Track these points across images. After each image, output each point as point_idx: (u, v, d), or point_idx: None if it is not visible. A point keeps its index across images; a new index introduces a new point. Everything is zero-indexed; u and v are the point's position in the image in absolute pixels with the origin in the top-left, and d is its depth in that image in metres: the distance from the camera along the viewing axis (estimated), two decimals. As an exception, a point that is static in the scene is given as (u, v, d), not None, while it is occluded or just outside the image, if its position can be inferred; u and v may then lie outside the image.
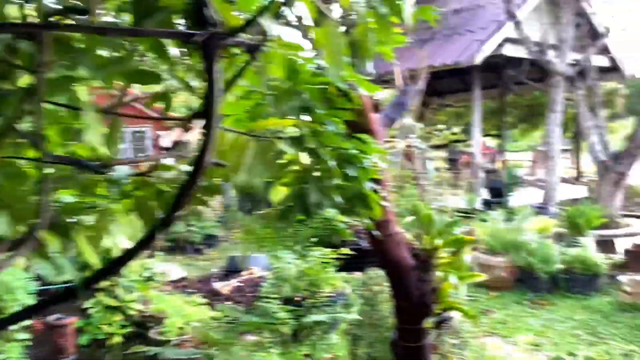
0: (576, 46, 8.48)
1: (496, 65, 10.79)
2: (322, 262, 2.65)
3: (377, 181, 2.08)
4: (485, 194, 9.19)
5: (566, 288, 5.92)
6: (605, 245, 8.15)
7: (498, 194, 8.46)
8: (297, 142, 1.78)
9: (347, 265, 2.83)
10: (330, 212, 2.00)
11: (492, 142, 15.17)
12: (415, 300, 2.33)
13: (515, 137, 20.30)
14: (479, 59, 8.66)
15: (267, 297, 3.08)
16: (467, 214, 8.54)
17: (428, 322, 2.29)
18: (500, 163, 12.33)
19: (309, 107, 1.83)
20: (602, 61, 11.20)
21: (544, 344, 4.51)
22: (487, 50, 8.79)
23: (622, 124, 16.79)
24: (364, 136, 1.99)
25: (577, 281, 5.85)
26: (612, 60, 11.25)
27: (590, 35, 10.01)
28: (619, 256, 6.26)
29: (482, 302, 5.76)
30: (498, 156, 12.67)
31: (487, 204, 8.29)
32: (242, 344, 2.89)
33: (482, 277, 2.46)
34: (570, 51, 8.77)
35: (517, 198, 9.02)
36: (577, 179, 11.87)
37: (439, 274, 2.42)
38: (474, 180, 9.79)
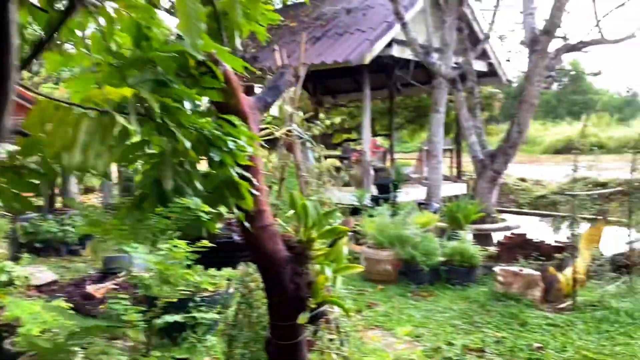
0: (458, 50, 8.93)
1: (385, 66, 11.09)
2: (176, 257, 2.44)
3: (248, 168, 1.93)
4: (374, 190, 9.40)
5: (446, 279, 6.17)
6: (483, 238, 8.66)
7: (386, 190, 8.68)
8: (147, 119, 1.56)
9: (218, 260, 2.65)
10: (195, 201, 1.80)
11: (382, 142, 15.64)
12: (290, 295, 2.20)
13: (405, 138, 21.18)
14: (369, 59, 8.82)
15: (116, 298, 2.80)
16: (356, 209, 8.68)
17: (302, 318, 2.17)
18: (389, 162, 12.73)
19: (164, 81, 1.62)
20: (481, 66, 11.94)
21: (424, 334, 4.62)
22: (376, 49, 8.99)
23: (499, 128, 18.13)
24: (232, 118, 1.82)
25: (456, 273, 6.12)
26: (491, 65, 12.02)
27: (471, 40, 10.61)
28: (494, 248, 6.63)
29: (368, 295, 5.83)
30: (388, 155, 13.07)
31: (376, 200, 8.47)
32: (85, 353, 2.59)
33: (360, 268, 2.39)
34: (452, 54, 9.21)
35: (404, 195, 9.31)
36: (458, 177, 12.57)
37: (315, 266, 2.32)
38: (364, 177, 9.98)
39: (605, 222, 6.24)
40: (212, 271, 4.02)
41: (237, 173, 1.87)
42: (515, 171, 16.57)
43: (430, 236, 6.36)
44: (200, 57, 1.60)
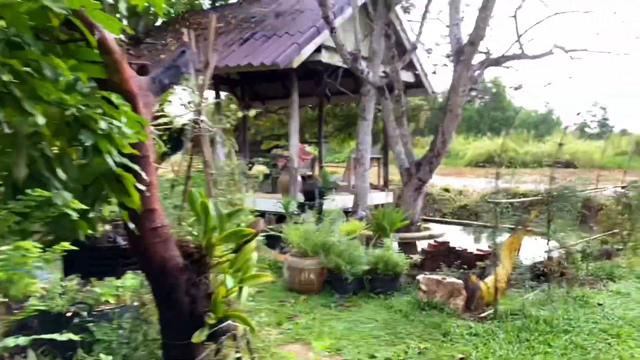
0: (386, 59, 8.91)
1: (315, 73, 10.93)
2: (20, 263, 2.06)
3: (136, 159, 1.61)
4: (301, 197, 9.17)
5: (371, 288, 6.02)
6: (408, 246, 8.63)
7: (313, 197, 8.48)
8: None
9: (98, 269, 2.29)
10: (63, 196, 1.46)
11: (311, 149, 15.51)
12: (184, 310, 1.89)
13: (335, 146, 21.18)
14: (296, 63, 8.62)
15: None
16: (283, 217, 8.41)
17: (199, 336, 1.87)
18: (318, 169, 12.56)
19: (16, 43, 1.29)
20: (408, 77, 12.08)
21: (346, 347, 4.40)
22: (305, 54, 8.81)
23: (425, 140, 18.52)
24: (111, 95, 1.50)
25: (380, 281, 5.98)
26: (417, 76, 12.18)
27: (399, 50, 10.69)
28: (418, 256, 6.56)
29: (290, 306, 5.56)
30: (317, 163, 12.91)
31: (302, 207, 8.24)
32: None
33: (269, 278, 2.12)
34: (380, 63, 9.19)
35: (331, 202, 9.15)
36: (385, 186, 12.60)
37: (218, 276, 2.03)
38: (291, 184, 9.73)
39: (525, 231, 6.32)
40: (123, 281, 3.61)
41: (120, 164, 1.55)
42: (440, 182, 16.95)
43: (356, 244, 6.19)
44: (62, 11, 1.28)
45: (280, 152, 12.15)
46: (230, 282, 1.88)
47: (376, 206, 13.31)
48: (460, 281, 5.42)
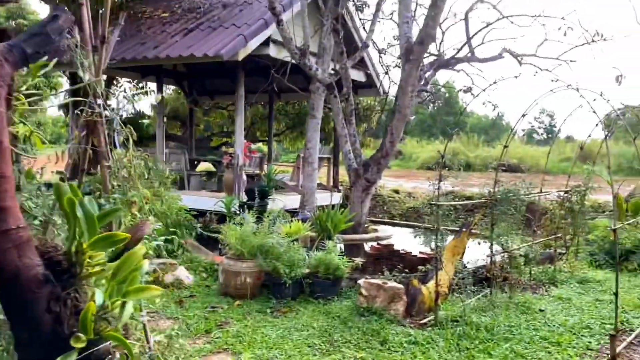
0: (337, 56, 8.66)
1: (264, 68, 10.60)
2: None
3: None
4: (245, 197, 8.82)
5: (310, 293, 5.75)
6: (355, 248, 8.42)
7: (257, 197, 8.13)
8: None
9: None
10: None
11: (259, 147, 15.15)
12: (45, 330, 1.54)
13: (288, 145, 20.86)
14: (242, 55, 8.27)
15: None
16: (224, 217, 8.04)
17: (62, 362, 1.52)
18: (266, 168, 12.21)
19: None
20: (359, 76, 11.91)
21: (277, 357, 4.11)
22: (251, 46, 8.47)
23: (378, 142, 18.42)
24: None
25: (320, 285, 5.71)
26: (369, 76, 12.03)
27: (350, 48, 10.50)
28: (360, 259, 6.32)
29: (222, 313, 5.22)
30: (265, 161, 12.56)
31: (244, 208, 7.88)
32: None
33: (157, 291, 1.80)
34: (330, 60, 8.95)
35: (277, 202, 8.84)
36: (335, 186, 12.39)
37: (95, 289, 1.69)
38: (235, 183, 9.37)
39: (468, 235, 6.20)
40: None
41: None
42: (392, 184, 16.93)
43: (296, 246, 5.91)
44: None
45: (225, 149, 11.76)
46: (99, 296, 1.55)
47: (324, 207, 13.10)
48: (401, 286, 5.22)
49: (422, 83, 10.82)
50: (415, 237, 9.67)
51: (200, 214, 8.71)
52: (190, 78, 14.04)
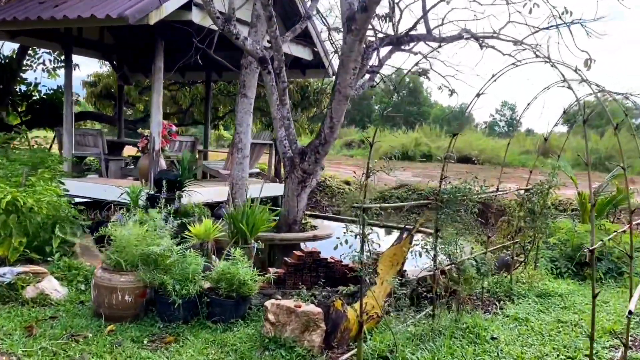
0: (265, 22, 7.36)
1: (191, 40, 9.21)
2: None
3: None
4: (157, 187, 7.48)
5: (208, 315, 4.54)
6: (289, 250, 7.27)
7: (171, 188, 6.81)
8: None
9: None
10: None
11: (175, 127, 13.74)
12: None
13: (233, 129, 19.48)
14: (155, 19, 6.90)
15: None
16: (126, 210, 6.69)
17: None
18: (200, 154, 10.87)
19: None
20: (306, 54, 10.67)
21: None
22: (168, 9, 7.10)
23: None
24: None
25: (221, 306, 4.50)
26: (317, 55, 10.80)
27: (295, 19, 9.27)
28: (275, 270, 5.12)
29: (83, 344, 3.95)
30: (198, 146, 11.20)
31: (153, 200, 6.56)
32: None
33: None
34: (265, 31, 7.66)
35: (198, 194, 7.56)
36: (277, 177, 11.15)
37: None
38: (151, 170, 8.03)
39: (410, 240, 5.09)
40: None
41: None
42: (347, 174, 15.82)
43: (193, 255, 4.67)
44: None
45: (141, 131, 10.38)
46: None
47: (267, 200, 11.87)
48: (318, 310, 4.06)
49: (375, 64, 9.69)
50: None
51: (104, 206, 7.37)
52: (119, 51, 12.48)
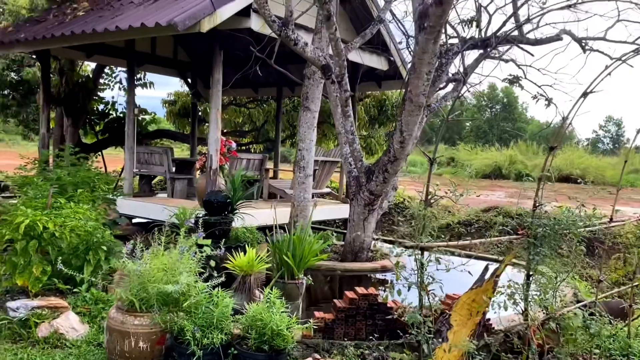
0: (323, 22, 6.57)
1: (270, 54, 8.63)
2: None
3: None
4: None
5: (235, 371, 3.72)
6: (356, 283, 6.39)
7: (220, 210, 6.13)
8: None
9: None
10: None
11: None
12: None
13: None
14: (208, 26, 6.34)
15: None
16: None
17: None
18: (266, 172, 10.26)
19: None
20: (381, 63, 9.78)
21: None
22: (222, 15, 6.53)
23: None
24: None
25: (249, 360, 3.67)
26: (392, 64, 9.87)
27: (365, 23, 8.46)
28: (323, 316, 4.20)
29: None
30: (266, 164, 10.59)
31: (203, 224, 5.92)
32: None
33: None
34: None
35: (252, 218, 6.87)
36: (348, 197, 10.26)
37: None
38: (208, 190, 7.46)
39: (494, 283, 3.99)
40: None
41: None
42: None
43: (222, 294, 3.89)
44: None
45: (200, 149, 9.92)
46: None
47: (330, 223, 11.00)
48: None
49: (457, 72, 8.61)
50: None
51: (151, 228, 6.87)
52: (193, 68, 12.32)
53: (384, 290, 6.31)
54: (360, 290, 4.26)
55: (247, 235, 6.31)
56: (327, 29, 6.18)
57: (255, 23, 7.04)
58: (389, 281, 7.17)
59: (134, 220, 8.58)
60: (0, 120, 15.90)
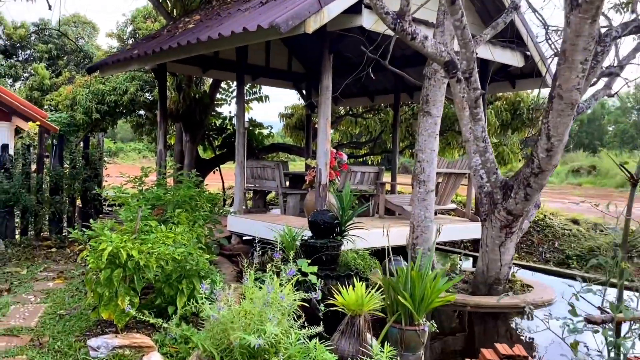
0: (446, 6, 5.55)
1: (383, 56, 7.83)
2: None
3: None
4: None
5: None
6: (491, 321, 5.31)
7: (329, 232, 5.38)
8: None
9: None
10: None
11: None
12: None
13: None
14: (314, 26, 5.66)
15: None
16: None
17: None
18: (382, 186, 9.38)
19: None
20: (515, 59, 8.47)
21: None
22: (330, 14, 5.82)
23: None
24: None
25: None
26: (530, 60, 8.50)
27: (498, 14, 7.32)
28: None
29: None
30: (382, 178, 9.71)
31: (306, 248, 5.21)
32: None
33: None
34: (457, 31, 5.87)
35: (369, 239, 6.05)
36: (476, 213, 9.02)
37: None
38: (317, 207, 6.76)
39: None
40: None
41: None
42: (573, 207, 12.78)
43: (319, 347, 3.08)
44: None
45: (309, 162, 9.25)
46: None
47: (460, 244, 9.79)
48: None
49: (611, 64, 7.12)
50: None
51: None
52: (307, 79, 11.87)
53: (529, 339, 5.07)
54: (503, 349, 3.20)
55: (359, 262, 5.47)
56: (451, 15, 5.18)
57: (367, 20, 6.23)
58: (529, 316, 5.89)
59: (244, 238, 8.16)
60: (136, 137, 16.67)
